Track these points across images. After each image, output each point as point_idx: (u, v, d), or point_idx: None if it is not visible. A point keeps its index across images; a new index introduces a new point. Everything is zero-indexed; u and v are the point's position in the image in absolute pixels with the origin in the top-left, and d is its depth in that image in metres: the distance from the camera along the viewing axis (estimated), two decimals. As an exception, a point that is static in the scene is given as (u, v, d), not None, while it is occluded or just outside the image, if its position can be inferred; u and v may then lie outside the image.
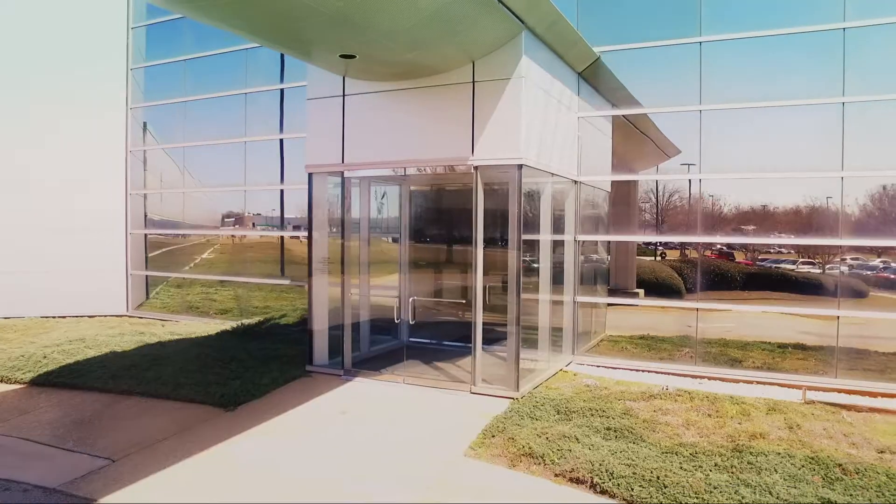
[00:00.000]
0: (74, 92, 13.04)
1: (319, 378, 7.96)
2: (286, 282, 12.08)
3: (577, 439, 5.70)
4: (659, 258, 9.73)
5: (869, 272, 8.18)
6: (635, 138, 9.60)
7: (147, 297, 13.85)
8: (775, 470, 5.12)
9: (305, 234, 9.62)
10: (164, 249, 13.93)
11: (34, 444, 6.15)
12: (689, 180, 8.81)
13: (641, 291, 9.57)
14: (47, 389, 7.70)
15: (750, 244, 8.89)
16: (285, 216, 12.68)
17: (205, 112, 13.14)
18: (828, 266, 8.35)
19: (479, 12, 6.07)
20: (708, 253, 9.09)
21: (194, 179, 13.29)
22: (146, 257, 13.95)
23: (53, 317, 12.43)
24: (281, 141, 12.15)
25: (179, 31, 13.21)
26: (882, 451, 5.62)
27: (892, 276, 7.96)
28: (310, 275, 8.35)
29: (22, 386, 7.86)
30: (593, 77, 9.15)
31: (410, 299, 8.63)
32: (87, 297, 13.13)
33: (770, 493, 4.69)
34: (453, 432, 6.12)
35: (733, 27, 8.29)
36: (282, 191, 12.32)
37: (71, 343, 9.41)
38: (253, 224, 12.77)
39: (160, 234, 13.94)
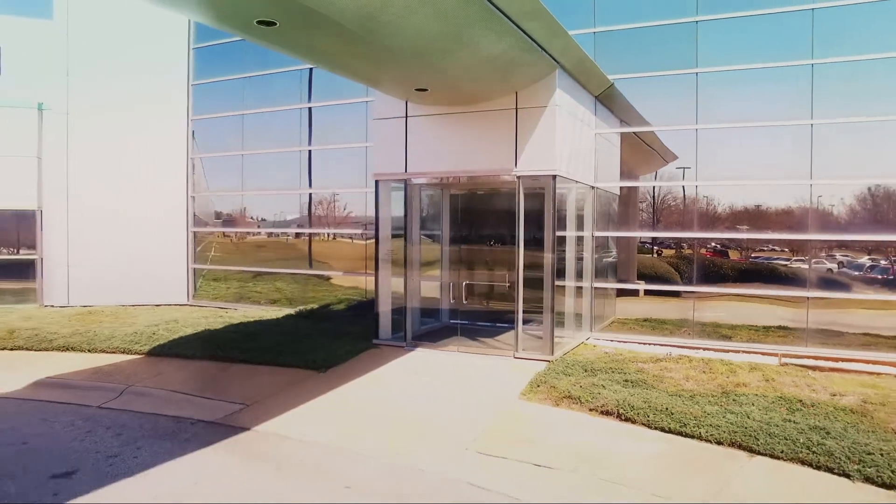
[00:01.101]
0: (144, 104, 14.74)
1: (386, 349, 9.70)
2: (329, 273, 13.86)
3: (604, 387, 7.47)
4: (655, 255, 11.51)
5: (857, 271, 9.93)
6: (640, 147, 11.38)
7: (195, 290, 15.51)
8: (753, 404, 6.90)
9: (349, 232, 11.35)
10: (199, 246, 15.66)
11: (181, 394, 7.88)
12: (683, 187, 10.60)
13: (642, 283, 11.36)
14: (165, 358, 9.40)
15: (734, 238, 10.67)
16: (288, 217, 14.63)
17: (233, 125, 14.89)
18: (814, 261, 10.10)
19: (525, 58, 7.82)
20: (703, 251, 10.87)
21: (235, 184, 15.00)
22: (195, 253, 15.63)
23: (128, 305, 14.09)
24: (310, 152, 13.97)
25: (221, 55, 14.93)
26: (834, 395, 7.41)
27: (880, 276, 9.73)
28: (376, 267, 10.10)
29: (141, 356, 9.56)
30: (607, 99, 10.92)
31: (451, 284, 10.40)
32: (154, 288, 14.80)
33: (748, 417, 6.47)
34: (507, 384, 7.88)
35: (725, 62, 10.08)
36: (310, 195, 14.14)
37: (167, 323, 11.11)
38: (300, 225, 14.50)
39: (210, 232, 15.62)
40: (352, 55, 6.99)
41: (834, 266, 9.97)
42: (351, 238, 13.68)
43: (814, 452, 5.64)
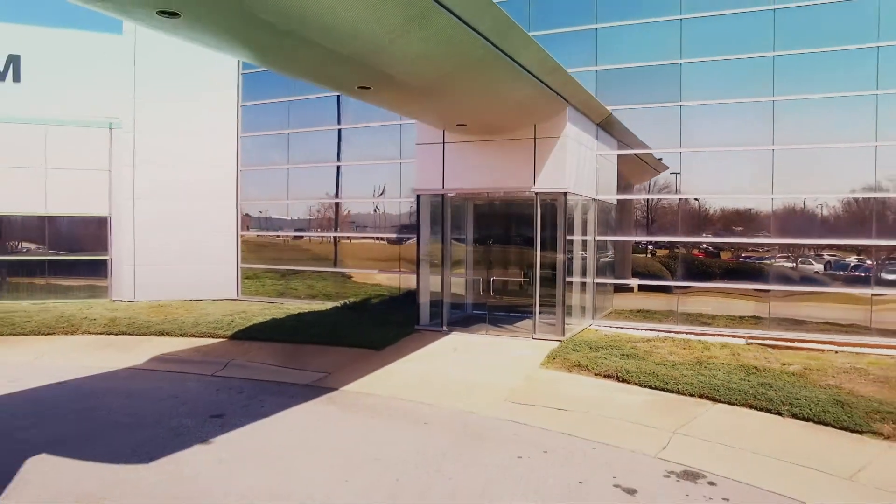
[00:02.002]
0: (199, 123, 16.82)
1: (426, 333, 11.82)
2: (365, 272, 16.00)
3: (605, 358, 9.61)
4: (650, 255, 13.64)
5: (842, 271, 12.00)
6: (636, 162, 13.52)
7: (242, 286, 17.57)
8: (719, 370, 9.06)
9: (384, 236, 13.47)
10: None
11: (273, 366, 9.99)
12: (669, 199, 12.77)
13: (636, 280, 13.50)
14: (246, 341, 11.47)
15: (710, 241, 12.83)
16: (291, 219, 16.90)
17: (276, 142, 17.03)
18: (799, 260, 12.21)
19: (544, 101, 9.95)
20: (696, 251, 13.00)
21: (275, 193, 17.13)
22: (242, 254, 17.70)
23: (187, 300, 16.14)
24: (338, 168, 16.13)
25: (265, 80, 17.02)
26: (783, 364, 9.57)
27: (862, 274, 11.75)
28: (417, 265, 12.25)
29: (226, 339, 11.64)
30: (607, 125, 13.06)
31: (474, 280, 12.55)
32: (207, 285, 16.86)
33: (715, 378, 8.61)
34: (529, 357, 10.02)
35: (704, 97, 12.24)
36: (336, 203, 16.31)
37: (237, 314, 13.20)
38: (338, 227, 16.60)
39: (257, 236, 17.70)
40: (423, 103, 9.13)
41: (811, 264, 12.16)
42: (386, 240, 15.81)
43: (759, 399, 7.80)
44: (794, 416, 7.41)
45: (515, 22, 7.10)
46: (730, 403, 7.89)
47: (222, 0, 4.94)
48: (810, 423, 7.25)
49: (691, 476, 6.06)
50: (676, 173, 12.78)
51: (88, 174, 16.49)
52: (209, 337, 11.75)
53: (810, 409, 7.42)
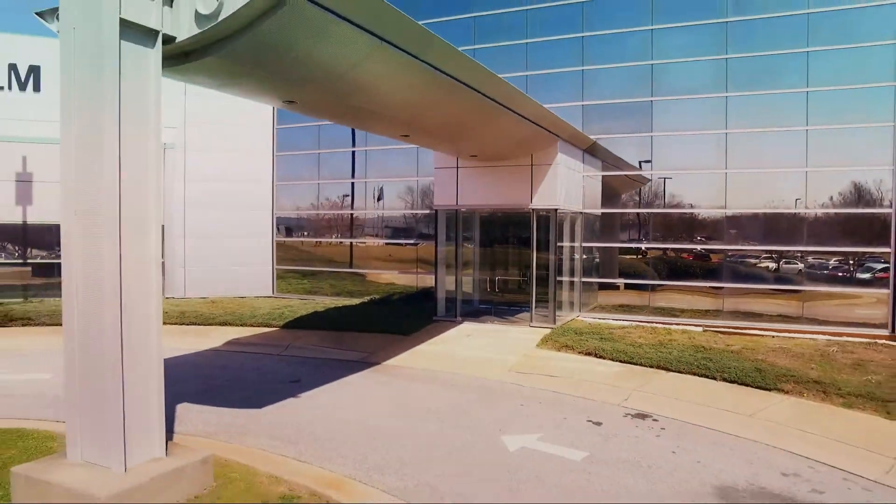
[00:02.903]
0: (241, 143, 19.36)
1: (443, 322, 14.42)
2: (385, 272, 18.61)
3: (587, 340, 12.22)
4: (640, 256, 16.21)
5: (825, 270, 14.56)
6: (621, 178, 16.15)
7: (276, 285, 20.14)
8: (675, 349, 11.68)
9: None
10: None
11: (324, 348, 12.57)
12: (639, 213, 15.42)
13: (622, 280, 16.11)
14: (296, 329, 14.03)
15: (672, 248, 15.47)
16: (320, 226, 19.47)
17: (307, 161, 19.58)
18: (783, 261, 14.77)
19: (540, 137, 12.56)
20: (685, 255, 15.57)
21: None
22: (277, 256, 20.26)
23: (232, 297, 18.67)
24: (352, 184, 18.75)
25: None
26: (728, 345, 12.20)
27: (840, 274, 14.30)
28: (436, 267, 14.84)
29: (278, 328, 14.19)
30: (591, 150, 15.68)
31: (480, 279, 15.15)
32: (248, 284, 19.41)
33: (670, 354, 11.23)
34: (526, 340, 12.62)
35: (671, 128, 14.89)
36: (351, 215, 18.94)
37: (284, 308, 15.76)
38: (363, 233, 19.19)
39: (289, 241, 20.27)
40: (448, 144, 11.74)
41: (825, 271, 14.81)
42: (403, 245, 18.41)
43: (700, 368, 10.42)
44: (724, 379, 10.04)
45: (518, 89, 9.72)
46: (678, 372, 10.52)
47: (329, 96, 7.53)
48: (735, 384, 9.87)
49: (642, 416, 8.69)
50: (666, 177, 15.41)
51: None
52: (265, 326, 14.31)
53: (736, 375, 10.06)
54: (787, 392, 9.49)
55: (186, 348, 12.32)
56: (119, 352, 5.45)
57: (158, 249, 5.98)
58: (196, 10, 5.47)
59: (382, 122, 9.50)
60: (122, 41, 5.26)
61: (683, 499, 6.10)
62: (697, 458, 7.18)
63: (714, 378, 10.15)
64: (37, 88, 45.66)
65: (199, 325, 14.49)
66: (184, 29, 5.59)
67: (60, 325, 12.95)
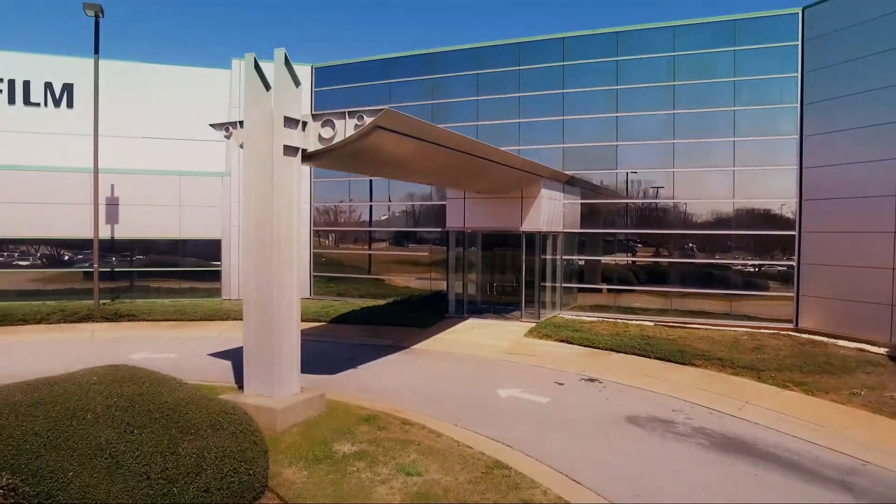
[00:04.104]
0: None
1: (453, 318, 18.52)
2: (405, 278, 22.69)
3: (562, 331, 16.32)
4: (630, 261, 20.18)
5: (750, 278, 18.70)
6: (598, 204, 20.27)
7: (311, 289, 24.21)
8: (627, 337, 15.77)
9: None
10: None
11: (363, 336, 16.68)
12: (610, 232, 19.53)
13: (605, 285, 20.15)
14: (339, 324, 18.12)
15: (630, 260, 19.54)
16: (351, 240, 23.42)
17: (338, 186, 23.70)
18: (718, 270, 18.86)
19: (528, 178, 16.67)
20: (644, 264, 19.64)
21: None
22: (313, 264, 24.33)
23: (279, 298, 22.72)
24: (371, 206, 22.83)
25: None
26: (669, 335, 16.29)
27: (760, 280, 18.57)
28: (447, 274, 18.96)
29: (325, 323, 18.29)
30: (570, 182, 19.79)
31: (481, 284, 19.26)
32: (289, 287, 23.50)
33: (622, 340, 15.32)
34: (517, 331, 16.73)
35: (634, 166, 18.99)
36: (370, 231, 23.05)
37: (328, 307, 19.85)
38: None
39: (323, 252, 24.35)
40: (460, 185, 15.84)
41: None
42: (419, 256, 22.54)
43: (641, 350, 14.51)
44: (657, 357, 14.13)
45: (509, 152, 13.82)
46: (625, 353, 14.62)
47: (386, 169, 11.69)
48: (663, 361, 13.96)
49: (593, 380, 12.79)
50: (659, 186, 19.49)
51: (207, 209, 23.17)
52: (316, 321, 18.41)
53: (665, 354, 14.14)
54: (697, 366, 13.59)
55: (262, 337, 16.37)
56: (276, 322, 9.57)
57: (296, 264, 10.05)
58: (319, 135, 9.59)
59: (416, 176, 13.59)
60: (281, 155, 9.38)
61: (606, 421, 10.20)
62: (621, 403, 11.28)
63: (649, 357, 14.25)
64: (70, 105, 51.05)
65: (263, 320, 18.55)
66: (311, 145, 9.71)
67: (156, 320, 17.40)
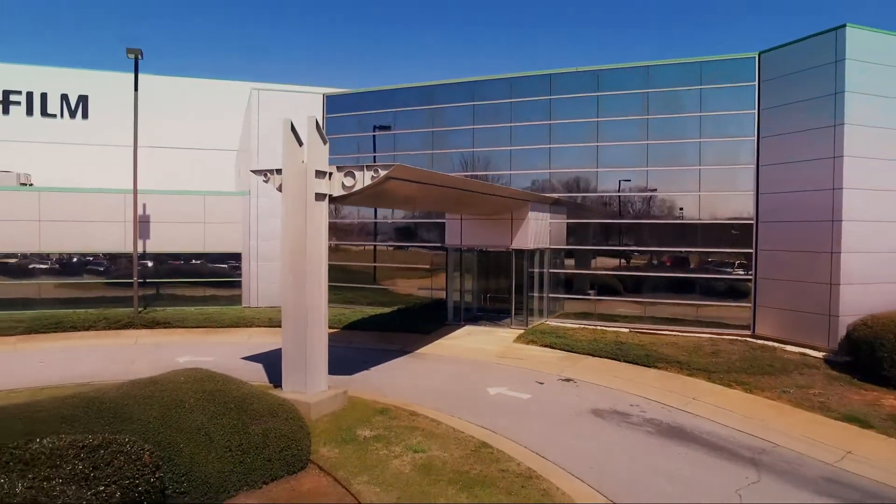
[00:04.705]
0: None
1: (451, 325, 20.89)
2: (408, 289, 25.05)
3: (546, 337, 18.68)
4: (610, 273, 22.54)
5: (714, 289, 21.04)
6: (581, 223, 22.63)
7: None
8: (603, 342, 18.13)
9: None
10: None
11: (374, 342, 19.07)
12: (590, 249, 21.88)
13: (587, 295, 22.48)
14: (352, 330, 20.50)
15: (604, 273, 21.88)
16: (361, 255, 25.76)
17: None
18: (687, 283, 21.19)
19: (517, 203, 19.04)
20: (624, 276, 22.02)
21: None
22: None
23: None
24: (375, 224, 25.16)
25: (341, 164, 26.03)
26: (640, 341, 18.64)
27: (724, 291, 20.94)
28: (446, 285, 21.32)
29: (339, 329, 20.65)
30: (556, 203, 22.14)
31: (476, 294, 21.64)
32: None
33: (598, 345, 17.68)
34: (507, 337, 19.10)
35: (611, 188, 21.35)
36: (375, 246, 25.41)
37: (340, 315, 22.19)
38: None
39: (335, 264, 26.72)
40: (457, 211, 18.22)
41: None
42: (422, 269, 24.91)
43: (613, 354, 16.87)
44: (626, 361, 16.47)
45: (499, 185, 16.17)
46: (599, 357, 16.97)
47: (399, 204, 14.06)
48: (631, 364, 16.30)
49: (568, 380, 15.15)
50: (652, 192, 21.85)
51: (229, 225, 25.55)
52: (330, 328, 20.68)
53: (633, 358, 16.49)
54: (659, 368, 15.94)
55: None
56: (309, 332, 11.95)
57: (325, 286, 12.41)
58: (343, 183, 11.95)
59: (421, 207, 15.93)
60: (313, 200, 11.76)
61: (574, 413, 12.56)
62: (589, 399, 13.64)
63: (620, 360, 16.59)
64: (85, 116, 54.09)
65: (279, 326, 20.90)
66: (336, 191, 12.07)
67: (188, 327, 19.93)
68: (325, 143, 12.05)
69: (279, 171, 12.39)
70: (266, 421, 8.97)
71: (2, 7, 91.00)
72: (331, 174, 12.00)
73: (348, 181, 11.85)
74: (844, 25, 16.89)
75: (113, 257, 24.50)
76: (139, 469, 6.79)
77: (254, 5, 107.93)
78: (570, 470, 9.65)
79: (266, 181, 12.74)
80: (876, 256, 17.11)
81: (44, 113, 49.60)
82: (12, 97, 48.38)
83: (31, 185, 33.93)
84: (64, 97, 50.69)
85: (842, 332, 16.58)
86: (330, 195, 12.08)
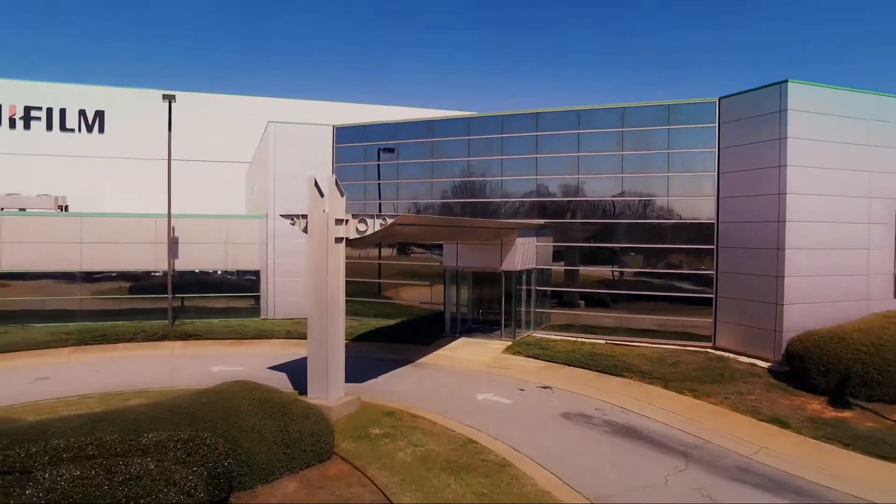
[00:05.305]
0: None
1: (448, 337, 23.61)
2: (411, 303, 27.76)
3: (531, 349, 21.38)
4: (591, 291, 25.20)
5: (682, 305, 23.74)
6: (564, 246, 25.33)
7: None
8: (579, 354, 20.81)
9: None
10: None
11: (380, 353, 21.79)
12: (572, 268, 24.59)
13: (583, 302, 25.13)
14: (361, 342, 23.21)
15: (582, 290, 24.58)
16: (372, 271, 28.48)
17: None
18: (690, 297, 23.87)
19: (505, 231, 21.75)
20: (602, 291, 24.72)
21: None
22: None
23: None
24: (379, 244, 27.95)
25: (349, 190, 28.76)
26: (612, 352, 21.31)
27: (691, 307, 23.60)
28: (444, 301, 24.04)
29: (349, 341, 23.33)
30: (542, 228, 24.84)
31: (471, 308, 24.36)
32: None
33: (575, 356, 20.35)
34: (497, 349, 21.81)
35: (591, 216, 24.06)
36: (379, 264, 28.10)
37: (350, 328, 24.89)
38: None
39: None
40: (455, 240, 20.94)
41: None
42: (424, 285, 27.63)
43: (587, 364, 19.56)
44: (597, 370, 19.15)
45: (489, 219, 18.87)
46: (575, 366, 19.65)
47: (407, 239, 16.80)
48: (601, 373, 18.97)
49: (546, 387, 17.85)
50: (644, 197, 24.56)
51: (249, 245, 28.30)
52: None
53: (603, 368, 19.16)
54: (624, 377, 18.60)
55: (302, 353, 21.45)
56: (329, 349, 14.67)
57: (342, 311, 15.13)
58: (356, 228, 14.67)
59: (422, 240, 18.62)
60: (333, 243, 14.48)
61: (547, 416, 15.24)
62: (562, 403, 16.33)
63: (592, 370, 19.26)
64: (101, 130, 57.60)
65: (298, 338, 23.65)
66: (352, 234, 14.78)
67: (216, 338, 22.96)
68: (342, 195, 14.78)
69: (304, 217, 15.11)
70: (301, 422, 11.67)
71: (21, 25, 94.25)
72: (347, 220, 14.72)
73: (361, 227, 14.57)
74: (787, 80, 19.56)
75: (145, 274, 27.25)
76: (216, 456, 9.52)
77: (258, 19, 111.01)
78: (537, 460, 12.34)
79: (293, 224, 15.46)
80: (814, 279, 19.77)
81: (63, 127, 52.81)
82: (33, 113, 51.58)
83: (66, 206, 36.77)
84: (82, 112, 53.87)
85: (784, 346, 19.23)
86: (347, 238, 14.79)
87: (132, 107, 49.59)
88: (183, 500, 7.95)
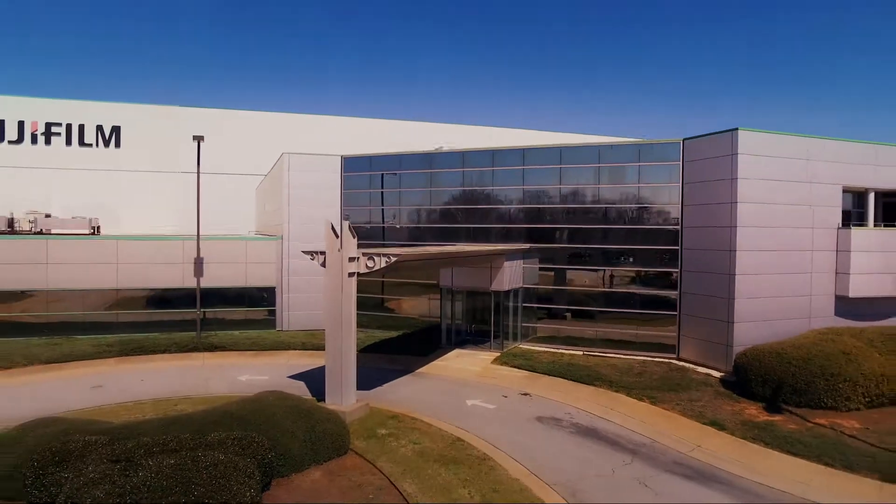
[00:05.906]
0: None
1: (444, 348, 26.67)
2: (414, 316, 30.83)
3: (516, 360, 24.43)
4: (574, 308, 28.20)
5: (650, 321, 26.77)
6: (549, 267, 28.38)
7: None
8: (558, 364, 23.85)
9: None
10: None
11: (383, 363, 24.90)
12: (558, 288, 27.63)
13: (569, 315, 28.15)
14: (367, 353, 26.24)
15: (566, 308, 27.62)
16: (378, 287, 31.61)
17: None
18: (658, 314, 26.89)
19: (495, 256, 24.83)
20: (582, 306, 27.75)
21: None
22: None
23: (319, 330, 30.88)
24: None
25: (355, 212, 31.81)
26: (587, 363, 24.33)
27: (659, 321, 26.66)
28: (441, 315, 27.13)
29: (357, 352, 26.41)
30: (528, 251, 27.89)
31: (465, 322, 27.43)
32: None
33: (555, 366, 23.39)
34: (486, 359, 24.88)
35: (575, 241, 27.11)
36: (383, 280, 31.20)
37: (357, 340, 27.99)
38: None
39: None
40: (449, 268, 24.11)
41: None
42: (423, 299, 30.70)
43: (564, 374, 22.61)
44: (572, 379, 22.20)
45: (479, 249, 21.97)
46: (553, 376, 22.68)
47: (410, 273, 19.91)
48: (575, 382, 22.01)
49: (526, 394, 20.90)
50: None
51: (266, 265, 31.40)
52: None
53: (577, 377, 22.20)
54: (595, 385, 21.63)
55: (317, 364, 24.53)
56: (343, 363, 17.74)
57: (354, 332, 18.19)
58: (366, 264, 17.74)
59: (423, 269, 21.78)
60: (346, 277, 17.56)
61: (524, 419, 18.28)
62: (538, 408, 19.36)
63: (567, 379, 22.30)
64: (118, 145, 61.46)
65: (312, 350, 26.70)
66: (362, 269, 17.84)
67: (239, 350, 26.46)
68: (354, 237, 17.85)
69: (321, 253, 18.17)
70: (324, 424, 14.75)
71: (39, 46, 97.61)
72: (358, 258, 17.79)
73: (370, 263, 17.63)
74: (737, 129, 22.60)
75: (173, 290, 30.36)
76: (263, 450, 12.60)
77: (266, 29, 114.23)
78: (512, 455, 15.39)
79: (312, 260, 18.53)
80: (761, 300, 22.81)
81: (81, 143, 56.21)
82: (53, 129, 55.01)
83: (98, 228, 39.93)
84: (99, 128, 57.32)
85: (734, 359, 22.26)
86: (358, 272, 17.86)
87: (146, 122, 52.96)
88: (246, 481, 11.01)
